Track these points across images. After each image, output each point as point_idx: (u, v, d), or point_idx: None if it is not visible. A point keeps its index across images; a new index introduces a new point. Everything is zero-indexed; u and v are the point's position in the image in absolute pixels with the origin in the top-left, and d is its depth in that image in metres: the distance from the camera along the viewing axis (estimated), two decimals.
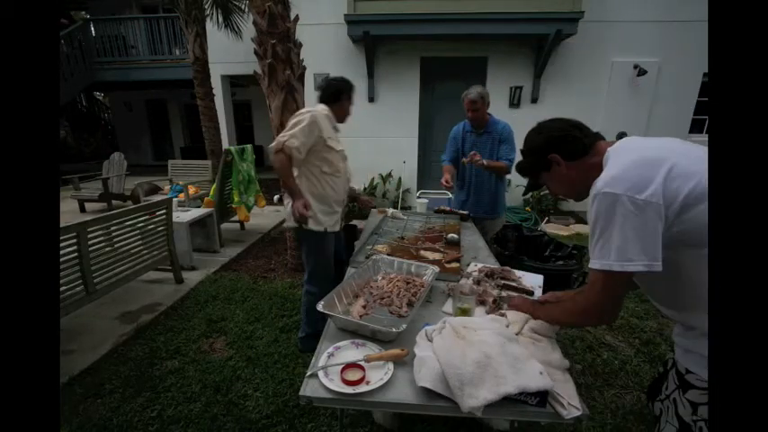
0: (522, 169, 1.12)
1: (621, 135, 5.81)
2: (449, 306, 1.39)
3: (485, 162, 2.40)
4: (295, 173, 1.99)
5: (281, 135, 1.91)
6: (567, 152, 0.98)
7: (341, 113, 2.11)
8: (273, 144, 1.93)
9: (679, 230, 0.79)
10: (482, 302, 1.38)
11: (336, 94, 2.06)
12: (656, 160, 0.81)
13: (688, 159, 0.81)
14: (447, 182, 2.55)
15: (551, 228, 5.00)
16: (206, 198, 4.22)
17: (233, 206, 4.19)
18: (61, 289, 2.20)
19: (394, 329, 1.12)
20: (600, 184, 0.84)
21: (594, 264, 0.86)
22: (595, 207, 0.84)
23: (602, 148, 0.95)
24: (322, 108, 2.04)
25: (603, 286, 0.87)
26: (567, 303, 1.08)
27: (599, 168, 0.90)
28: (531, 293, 1.44)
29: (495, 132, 2.56)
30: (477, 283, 1.53)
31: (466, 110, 2.51)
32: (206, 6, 5.60)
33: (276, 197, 6.32)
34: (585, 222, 5.05)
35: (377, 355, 1.05)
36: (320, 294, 2.03)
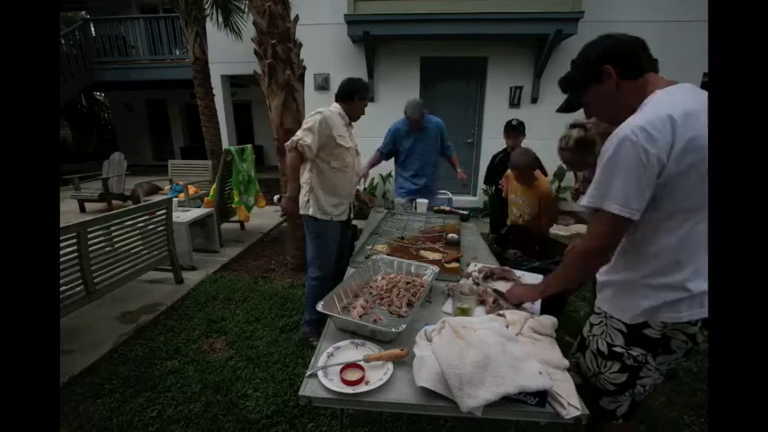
0: (568, 80, 1.09)
1: None
2: (449, 306, 1.39)
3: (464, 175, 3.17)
4: (305, 169, 2.15)
5: (295, 135, 2.06)
6: (624, 67, 0.94)
7: (354, 112, 2.21)
8: (288, 143, 2.07)
9: (659, 194, 0.89)
10: (482, 302, 1.38)
11: (350, 94, 2.17)
12: (679, 125, 0.84)
13: (703, 132, 0.83)
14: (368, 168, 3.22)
15: (552, 228, 5.00)
16: (206, 198, 4.21)
17: (233, 206, 4.19)
18: (61, 289, 2.20)
19: (393, 329, 1.12)
20: (628, 129, 0.86)
21: (607, 206, 0.90)
22: (615, 148, 0.88)
23: (652, 82, 0.94)
24: (335, 107, 2.17)
25: (609, 228, 0.93)
26: (567, 259, 1.11)
27: (639, 101, 0.92)
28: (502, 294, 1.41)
29: (431, 126, 3.10)
30: (477, 283, 1.53)
31: (410, 121, 3.00)
32: (206, 6, 5.59)
33: (276, 197, 6.28)
34: (586, 222, 5.04)
35: (376, 355, 1.05)
36: (322, 279, 2.25)
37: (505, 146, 3.18)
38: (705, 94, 0.89)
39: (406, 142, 3.12)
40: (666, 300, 0.95)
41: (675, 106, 0.86)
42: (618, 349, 1.03)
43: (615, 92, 0.96)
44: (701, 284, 0.93)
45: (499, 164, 3.14)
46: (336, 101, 2.21)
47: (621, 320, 1.02)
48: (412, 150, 3.12)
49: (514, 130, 3.04)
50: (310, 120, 2.04)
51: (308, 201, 2.17)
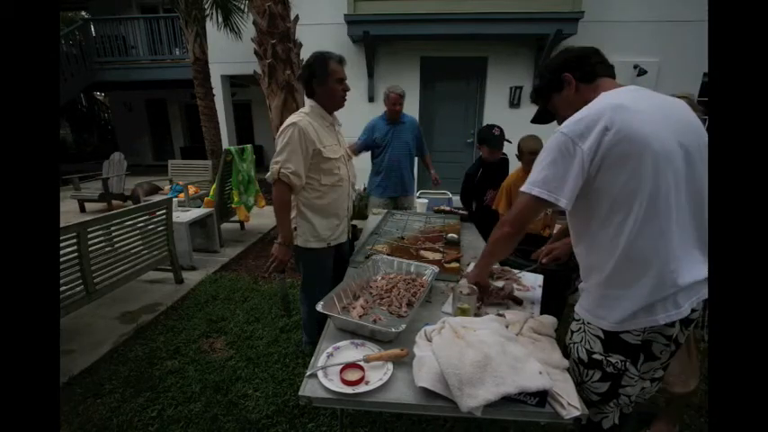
0: (536, 91, 1.18)
1: None
2: (449, 306, 1.39)
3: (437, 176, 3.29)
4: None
5: (273, 161, 1.65)
6: (581, 74, 1.04)
7: (329, 100, 1.74)
8: (268, 175, 1.68)
9: (595, 184, 0.93)
10: (480, 300, 1.38)
11: (308, 83, 1.72)
12: (608, 118, 0.89)
13: (640, 125, 0.88)
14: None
15: None
16: (206, 198, 4.21)
17: (233, 206, 4.19)
18: (61, 289, 2.20)
19: (393, 329, 1.11)
20: (563, 125, 0.95)
21: (525, 187, 1.00)
22: (549, 141, 0.97)
23: (603, 86, 1.03)
24: (308, 109, 1.76)
25: (523, 205, 1.03)
26: (492, 232, 1.17)
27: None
28: (521, 302, 1.43)
29: (407, 121, 3.11)
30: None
31: (392, 104, 2.96)
32: (206, 6, 5.59)
33: None
34: None
35: (376, 356, 1.05)
36: (312, 308, 1.54)
37: (481, 157, 2.69)
38: (648, 93, 0.98)
39: (384, 136, 3.08)
40: (641, 305, 0.93)
41: (611, 101, 0.93)
42: (597, 356, 1.00)
43: (575, 95, 1.06)
44: (671, 285, 0.91)
45: (482, 178, 2.70)
46: (308, 97, 1.79)
47: (598, 326, 1.00)
48: (389, 145, 3.09)
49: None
50: (285, 135, 1.62)
51: (296, 228, 1.79)
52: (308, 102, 1.80)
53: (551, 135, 0.97)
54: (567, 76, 1.05)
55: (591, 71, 1.04)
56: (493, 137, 2.56)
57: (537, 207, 1.01)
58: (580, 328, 1.06)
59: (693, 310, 0.96)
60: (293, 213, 1.78)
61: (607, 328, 0.98)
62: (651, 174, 0.88)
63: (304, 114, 1.71)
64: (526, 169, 2.38)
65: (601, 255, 0.97)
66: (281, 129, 1.67)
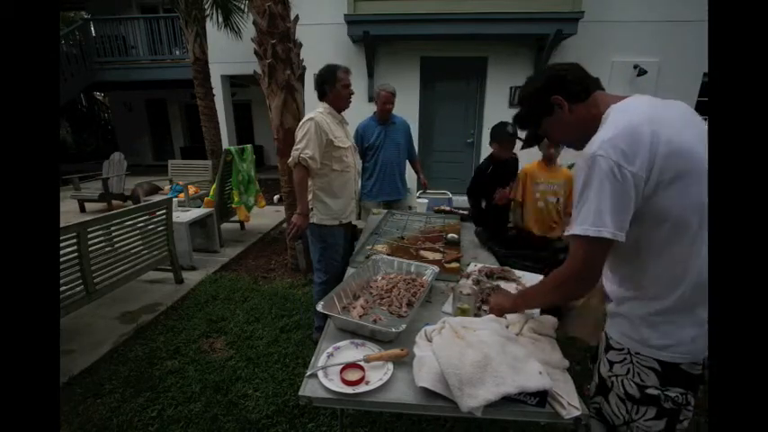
0: (521, 118, 1.07)
1: None
2: (449, 306, 1.39)
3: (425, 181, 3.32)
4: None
5: (293, 149, 2.01)
6: (570, 93, 0.93)
7: (338, 102, 2.13)
8: (290, 160, 2.03)
9: (652, 205, 0.81)
10: (483, 302, 1.38)
11: (322, 87, 2.11)
12: (650, 131, 0.79)
13: (680, 135, 0.81)
14: None
15: None
16: (206, 198, 4.22)
17: (233, 206, 4.19)
18: (61, 289, 2.20)
19: (393, 329, 1.11)
20: (594, 146, 0.82)
21: (575, 229, 0.84)
22: (585, 170, 0.83)
23: (602, 99, 0.92)
24: (321, 108, 2.11)
25: (583, 252, 0.86)
26: (546, 280, 1.02)
27: (598, 121, 0.89)
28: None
29: (398, 121, 3.07)
30: (477, 283, 1.53)
31: (383, 102, 2.88)
32: (206, 6, 5.59)
33: (276, 197, 6.31)
34: None
35: (376, 356, 1.05)
36: (328, 282, 2.21)
37: (492, 155, 2.69)
38: (656, 99, 0.89)
39: (375, 138, 2.99)
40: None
41: (639, 115, 0.83)
42: (652, 391, 0.87)
43: (570, 117, 0.95)
44: None
45: (492, 175, 2.69)
46: (320, 100, 2.16)
47: (653, 357, 0.86)
48: (381, 146, 2.99)
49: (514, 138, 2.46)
50: (304, 128, 1.99)
51: (313, 209, 2.14)
52: (320, 104, 2.15)
53: (583, 161, 0.84)
54: (557, 98, 0.94)
55: (583, 89, 0.93)
56: (507, 134, 2.50)
57: (597, 250, 0.84)
58: (624, 358, 0.91)
59: None
60: (310, 197, 2.12)
61: (667, 359, 0.85)
62: (698, 182, 0.80)
63: (318, 112, 2.06)
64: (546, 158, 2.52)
65: (659, 285, 0.86)
66: (300, 123, 2.04)
